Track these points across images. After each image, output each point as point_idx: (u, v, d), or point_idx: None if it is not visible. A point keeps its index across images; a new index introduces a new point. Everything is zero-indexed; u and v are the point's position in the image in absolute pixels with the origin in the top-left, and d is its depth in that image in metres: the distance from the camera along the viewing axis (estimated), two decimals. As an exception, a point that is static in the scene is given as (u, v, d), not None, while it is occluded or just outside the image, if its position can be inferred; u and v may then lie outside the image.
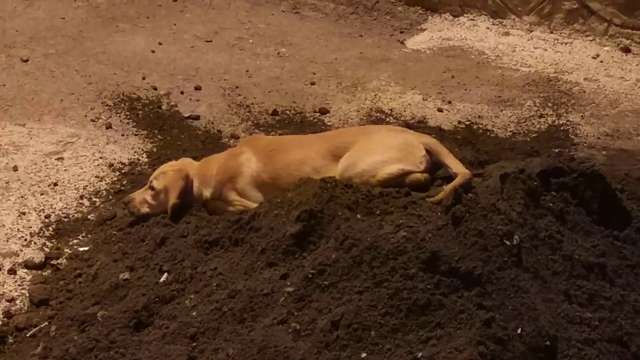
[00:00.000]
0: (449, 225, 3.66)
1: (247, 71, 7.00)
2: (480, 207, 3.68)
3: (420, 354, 3.31)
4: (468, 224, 3.63)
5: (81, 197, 5.07)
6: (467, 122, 6.31)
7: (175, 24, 7.86)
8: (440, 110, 6.49)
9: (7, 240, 4.63)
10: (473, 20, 8.36)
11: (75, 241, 4.67)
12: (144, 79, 6.67)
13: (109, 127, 5.89)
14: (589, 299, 3.74)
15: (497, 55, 7.62)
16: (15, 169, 5.26)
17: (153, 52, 7.22)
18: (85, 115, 6.03)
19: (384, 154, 4.28)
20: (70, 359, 3.70)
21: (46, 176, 5.24)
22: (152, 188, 4.67)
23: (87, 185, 5.18)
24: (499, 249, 3.59)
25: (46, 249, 4.60)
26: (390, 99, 6.65)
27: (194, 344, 3.70)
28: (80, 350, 3.73)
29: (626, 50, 7.72)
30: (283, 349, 3.47)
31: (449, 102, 6.63)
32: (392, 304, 3.47)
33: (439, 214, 3.81)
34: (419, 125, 6.19)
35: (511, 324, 3.42)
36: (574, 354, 3.47)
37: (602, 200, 4.17)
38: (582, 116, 6.52)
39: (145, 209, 4.66)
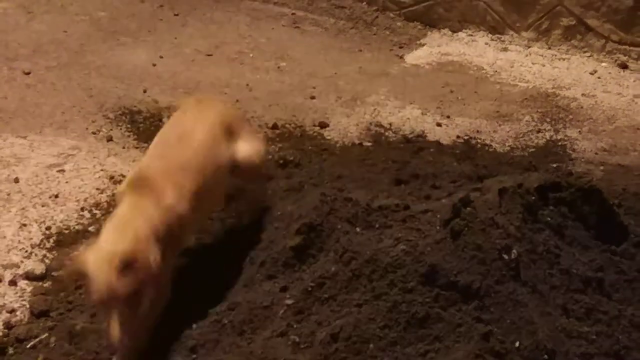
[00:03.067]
0: (447, 239, 3.68)
1: (248, 85, 7.03)
2: (478, 221, 3.71)
3: (418, 367, 3.34)
4: (466, 237, 3.65)
5: (82, 209, 5.09)
6: (466, 137, 6.34)
7: (176, 38, 7.89)
8: (439, 124, 6.52)
9: (8, 252, 4.65)
10: (472, 35, 8.39)
11: (76, 253, 4.68)
12: (145, 92, 6.69)
13: (109, 139, 5.91)
14: (586, 313, 3.76)
15: (496, 71, 7.65)
16: (16, 180, 5.28)
17: (154, 65, 7.25)
18: (87, 128, 6.05)
19: None
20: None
21: (47, 188, 5.26)
22: None
23: (87, 197, 5.20)
24: (497, 262, 3.61)
25: (47, 261, 4.61)
26: (390, 113, 6.67)
27: (194, 355, 3.72)
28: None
29: (623, 66, 7.76)
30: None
31: (448, 117, 6.66)
32: (391, 317, 3.49)
33: (437, 227, 3.83)
34: (417, 140, 6.22)
35: (509, 337, 3.44)
36: (571, 368, 3.50)
37: (600, 215, 4.20)
38: (579, 131, 6.55)
39: None
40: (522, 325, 3.49)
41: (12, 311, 4.23)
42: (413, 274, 3.59)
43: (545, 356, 3.44)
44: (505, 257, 3.63)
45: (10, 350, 3.98)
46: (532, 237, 3.87)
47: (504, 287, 3.57)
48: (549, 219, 4.04)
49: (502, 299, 3.55)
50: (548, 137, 6.42)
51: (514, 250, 3.67)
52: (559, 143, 6.34)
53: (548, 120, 6.71)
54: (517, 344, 3.42)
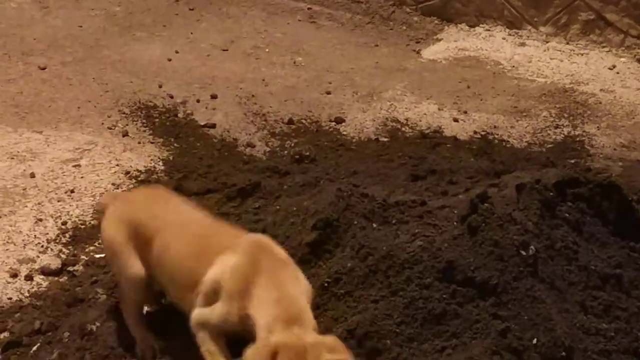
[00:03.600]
0: (464, 235, 3.66)
1: (263, 80, 7.01)
2: (496, 217, 3.68)
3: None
4: (484, 233, 3.63)
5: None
6: (483, 132, 6.31)
7: (191, 33, 7.89)
8: (455, 120, 6.49)
9: (24, 247, 4.65)
10: (489, 30, 8.36)
11: (91, 248, 4.68)
12: (160, 87, 6.69)
13: (125, 134, 5.91)
14: (604, 310, 3.73)
15: (513, 66, 7.62)
16: (32, 175, 5.28)
17: (169, 60, 7.24)
18: (102, 123, 6.05)
19: None
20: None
21: (63, 183, 5.26)
22: None
23: (103, 192, 5.19)
24: (514, 259, 3.59)
25: (63, 256, 4.60)
26: (406, 108, 6.65)
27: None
28: (95, 358, 3.74)
29: (643, 61, 7.72)
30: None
31: (465, 112, 6.63)
32: (408, 313, 3.48)
33: (454, 223, 3.81)
34: (434, 135, 6.20)
35: (527, 334, 3.41)
36: (589, 365, 3.47)
37: (619, 211, 4.16)
38: (598, 127, 6.51)
39: None
40: (539, 321, 3.46)
41: (27, 306, 4.23)
42: (430, 270, 3.57)
43: (563, 353, 3.41)
44: (523, 253, 3.61)
45: (25, 341, 3.96)
46: (550, 233, 3.84)
47: (522, 284, 3.54)
48: (567, 215, 4.00)
49: (519, 295, 3.52)
50: (566, 133, 6.38)
51: (532, 247, 3.65)
52: (577, 139, 6.30)
53: (566, 115, 6.67)
54: (534, 341, 3.39)
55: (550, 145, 6.17)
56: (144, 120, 6.16)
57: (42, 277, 4.44)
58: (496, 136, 6.26)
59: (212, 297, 3.40)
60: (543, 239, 3.79)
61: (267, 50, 7.68)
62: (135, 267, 3.72)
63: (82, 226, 4.87)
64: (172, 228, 3.68)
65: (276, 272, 3.37)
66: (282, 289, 3.29)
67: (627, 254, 4.04)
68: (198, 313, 3.45)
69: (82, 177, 5.33)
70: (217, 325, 3.39)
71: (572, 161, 5.85)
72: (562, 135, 6.34)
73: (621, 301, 3.79)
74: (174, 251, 3.61)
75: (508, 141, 6.20)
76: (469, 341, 3.40)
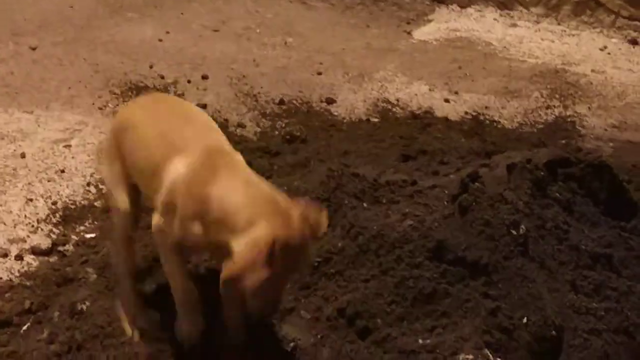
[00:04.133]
0: (455, 215, 3.66)
1: (254, 60, 6.99)
2: (487, 196, 3.69)
3: (426, 342, 3.31)
4: (475, 213, 3.63)
5: (88, 184, 5.07)
6: (474, 113, 6.31)
7: (182, 13, 7.86)
8: (447, 100, 6.49)
9: (15, 227, 4.64)
10: (480, 11, 8.35)
11: (82, 228, 4.67)
12: (151, 67, 6.66)
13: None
14: (595, 290, 3.74)
15: (505, 47, 7.61)
16: (22, 155, 5.26)
17: (160, 41, 7.21)
18: (93, 103, 6.03)
19: None
20: (76, 345, 3.70)
21: (53, 163, 5.24)
22: None
23: (94, 173, 5.17)
24: (505, 238, 3.59)
25: (53, 236, 4.59)
26: (397, 89, 6.64)
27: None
28: (86, 337, 3.73)
29: (634, 42, 7.72)
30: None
31: (456, 93, 6.62)
32: (398, 292, 3.48)
33: (445, 203, 3.81)
34: (425, 116, 6.19)
35: (517, 313, 3.42)
36: (579, 344, 3.48)
37: (609, 191, 4.17)
38: (589, 108, 6.51)
39: None
40: (530, 301, 3.47)
41: (17, 285, 4.22)
42: (420, 249, 3.57)
43: (553, 332, 3.42)
44: (514, 232, 3.61)
45: (15, 321, 3.95)
46: (541, 212, 3.85)
47: (512, 263, 3.55)
48: (557, 194, 4.01)
49: (510, 274, 3.53)
50: (557, 114, 6.39)
51: (522, 226, 3.65)
52: (568, 119, 6.31)
53: (557, 96, 6.67)
54: (524, 320, 3.40)
55: (541, 126, 6.17)
56: (135, 101, 6.14)
57: (32, 256, 4.43)
58: (487, 117, 6.26)
59: (172, 206, 3.18)
60: (534, 219, 3.79)
61: (258, 31, 7.66)
62: (120, 199, 3.59)
63: (73, 206, 4.85)
64: (144, 125, 3.49)
65: (233, 171, 3.19)
66: (246, 182, 3.12)
67: (617, 234, 4.05)
68: (158, 220, 3.27)
69: (72, 158, 5.32)
70: (177, 240, 3.20)
71: (563, 141, 5.86)
72: (553, 116, 6.34)
73: (611, 280, 3.80)
74: (141, 147, 3.43)
75: (499, 122, 6.20)
76: (460, 320, 3.40)
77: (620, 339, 3.61)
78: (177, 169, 3.19)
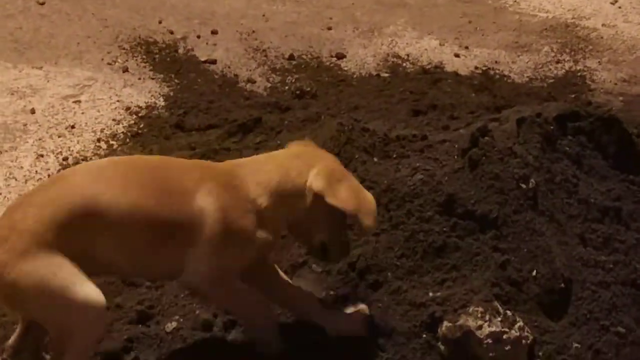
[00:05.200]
0: (465, 169, 3.66)
1: (264, 15, 6.97)
2: (496, 150, 3.68)
3: (436, 295, 3.34)
4: (484, 167, 3.63)
5: (98, 140, 5.09)
6: (484, 68, 6.30)
7: (191, -32, 7.82)
8: (457, 55, 6.47)
9: (26, 182, 4.66)
10: (491, -35, 8.29)
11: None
12: (160, 22, 6.65)
13: (125, 70, 5.89)
14: (603, 243, 3.75)
15: (515, 1, 7.58)
16: (32, 111, 5.28)
17: (169, -5, 7.20)
18: (102, 59, 6.03)
19: None
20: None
21: (63, 119, 5.26)
22: None
23: (104, 128, 5.19)
24: (515, 192, 3.60)
25: (64, 191, 4.62)
26: (407, 44, 6.62)
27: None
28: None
29: (645, -4, 7.66)
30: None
31: (466, 48, 6.60)
32: (409, 246, 3.49)
33: (455, 157, 3.81)
34: (435, 71, 6.18)
35: (526, 266, 3.44)
36: (588, 296, 3.50)
37: (619, 145, 4.16)
38: (599, 62, 6.49)
39: None
40: (539, 254, 3.48)
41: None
42: (431, 203, 3.57)
43: (562, 285, 3.44)
44: (523, 186, 3.62)
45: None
46: (550, 166, 3.85)
47: (522, 217, 3.56)
48: (567, 148, 4.00)
49: (519, 228, 3.54)
50: (567, 68, 6.37)
51: (532, 180, 3.65)
52: (578, 74, 6.29)
53: (567, 50, 6.65)
54: (534, 273, 3.42)
55: (551, 80, 6.16)
56: (144, 56, 6.13)
57: (44, 212, 4.45)
58: (497, 71, 6.25)
59: (230, 235, 2.99)
60: (543, 173, 3.79)
61: (267, -15, 7.63)
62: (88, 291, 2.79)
63: (83, 161, 4.87)
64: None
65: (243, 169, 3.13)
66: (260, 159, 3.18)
67: (626, 187, 4.05)
68: (206, 271, 3.00)
69: (82, 113, 5.33)
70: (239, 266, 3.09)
71: (573, 96, 5.85)
72: (564, 70, 6.32)
73: (620, 233, 3.81)
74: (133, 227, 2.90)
75: (509, 76, 6.19)
76: (469, 273, 3.42)
77: (628, 291, 3.63)
78: (207, 206, 2.97)
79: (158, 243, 2.94)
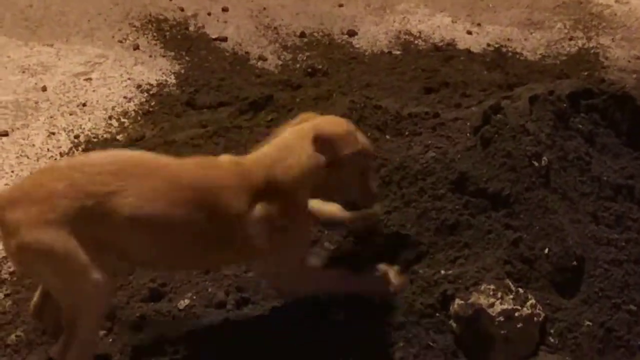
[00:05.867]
0: (477, 147, 3.65)
1: (275, -8, 6.96)
2: (509, 128, 3.67)
3: (448, 273, 3.34)
4: (497, 145, 3.62)
5: (110, 117, 5.09)
6: (497, 45, 6.27)
7: (201, -55, 7.80)
8: (469, 32, 6.44)
9: (38, 160, 4.67)
10: (503, -59, 8.24)
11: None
12: (170, 0, 6.63)
13: (136, 48, 5.88)
14: (616, 220, 3.74)
15: (528, -23, 7.53)
16: (44, 89, 5.28)
17: (180, -28, 7.17)
18: (113, 36, 6.02)
19: None
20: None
21: (75, 97, 5.26)
22: None
23: (115, 106, 5.19)
24: (527, 170, 3.59)
25: (76, 169, 4.62)
26: (419, 21, 6.59)
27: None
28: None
29: (659, -28, 7.60)
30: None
31: (478, 25, 6.57)
32: (421, 223, 3.49)
33: (467, 135, 3.80)
34: (447, 48, 6.16)
35: (538, 244, 3.43)
36: (600, 274, 3.49)
37: (632, 123, 4.14)
38: (612, 39, 6.45)
39: None
40: (551, 232, 3.48)
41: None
42: (443, 181, 3.57)
43: (574, 262, 3.43)
44: (536, 164, 3.60)
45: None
46: (563, 144, 3.83)
47: (534, 194, 3.55)
48: (580, 126, 3.99)
49: (531, 206, 3.53)
50: (580, 45, 6.33)
51: (545, 158, 3.64)
52: (592, 51, 6.25)
53: (580, 27, 6.61)
54: (546, 251, 3.41)
55: (564, 58, 6.13)
56: (155, 34, 6.12)
57: (56, 190, 4.46)
58: (510, 48, 6.22)
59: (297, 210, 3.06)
60: (556, 150, 3.78)
61: (278, -38, 7.60)
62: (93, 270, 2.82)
63: (95, 139, 4.88)
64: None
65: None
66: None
67: (639, 165, 4.03)
68: (288, 273, 3.15)
69: (93, 91, 5.33)
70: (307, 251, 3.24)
71: (586, 73, 5.82)
72: (577, 48, 6.29)
73: (632, 212, 3.80)
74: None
75: (521, 53, 6.16)
76: (482, 251, 3.42)
77: (641, 269, 3.63)
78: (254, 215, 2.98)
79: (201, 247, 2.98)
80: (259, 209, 2.97)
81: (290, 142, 3.09)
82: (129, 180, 2.83)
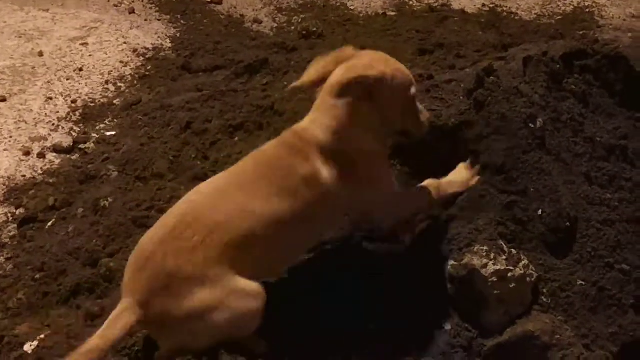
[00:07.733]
0: (471, 110, 3.67)
1: (269, -46, 6.92)
2: (502, 90, 3.67)
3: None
4: (490, 107, 3.63)
5: (106, 82, 5.10)
6: (491, 5, 6.26)
7: None
8: (464, -8, 6.43)
9: (36, 125, 4.70)
10: None
11: (102, 126, 4.72)
12: (165, -37, 6.62)
13: (132, 12, 5.89)
14: (609, 181, 3.76)
15: (523, -64, 7.49)
16: (40, 54, 5.29)
17: None
18: (108, 1, 6.02)
19: None
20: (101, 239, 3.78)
21: (71, 61, 5.27)
22: None
23: (112, 71, 5.21)
24: (522, 132, 3.60)
25: (74, 134, 4.65)
26: (414, -19, 6.58)
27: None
28: (108, 232, 3.80)
29: None
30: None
31: (473, -15, 6.56)
32: (415, 186, 3.52)
33: (461, 97, 3.82)
34: (442, 9, 6.15)
35: (532, 205, 3.45)
36: (593, 234, 3.53)
37: (626, 83, 4.14)
38: (608, -3, 6.45)
39: None
40: (545, 193, 3.50)
41: (40, 182, 4.30)
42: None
43: (568, 223, 3.46)
44: (531, 126, 3.62)
45: (40, 217, 4.04)
46: (557, 105, 3.84)
47: (529, 157, 3.56)
48: (573, 87, 3.99)
49: (527, 168, 3.55)
50: (575, 4, 6.32)
51: (539, 119, 3.65)
52: (587, 10, 6.24)
53: (576, -14, 6.59)
54: (539, 212, 3.44)
55: (559, 17, 6.12)
56: (150, -3, 6.13)
57: (54, 154, 4.50)
58: (505, 9, 6.21)
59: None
60: (549, 112, 3.79)
61: None
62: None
63: (92, 104, 4.90)
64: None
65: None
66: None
67: (632, 125, 4.04)
68: (384, 204, 3.26)
69: (90, 55, 5.34)
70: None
71: (581, 33, 5.81)
72: (572, 7, 6.28)
73: (626, 172, 3.82)
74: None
75: (517, 13, 6.15)
76: (475, 213, 3.44)
77: (633, 228, 3.65)
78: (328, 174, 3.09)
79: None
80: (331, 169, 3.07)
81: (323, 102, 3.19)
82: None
